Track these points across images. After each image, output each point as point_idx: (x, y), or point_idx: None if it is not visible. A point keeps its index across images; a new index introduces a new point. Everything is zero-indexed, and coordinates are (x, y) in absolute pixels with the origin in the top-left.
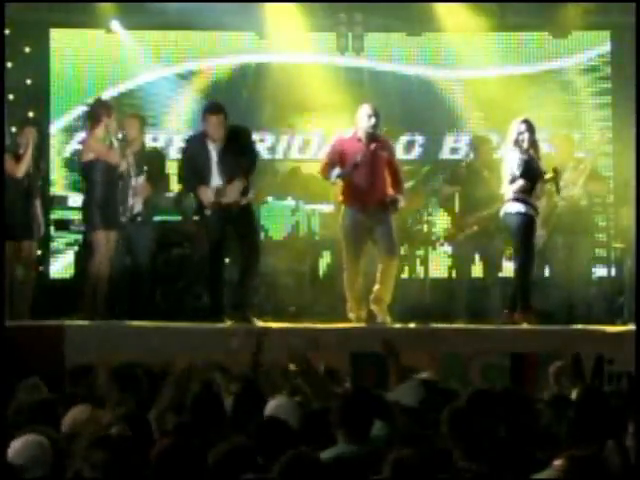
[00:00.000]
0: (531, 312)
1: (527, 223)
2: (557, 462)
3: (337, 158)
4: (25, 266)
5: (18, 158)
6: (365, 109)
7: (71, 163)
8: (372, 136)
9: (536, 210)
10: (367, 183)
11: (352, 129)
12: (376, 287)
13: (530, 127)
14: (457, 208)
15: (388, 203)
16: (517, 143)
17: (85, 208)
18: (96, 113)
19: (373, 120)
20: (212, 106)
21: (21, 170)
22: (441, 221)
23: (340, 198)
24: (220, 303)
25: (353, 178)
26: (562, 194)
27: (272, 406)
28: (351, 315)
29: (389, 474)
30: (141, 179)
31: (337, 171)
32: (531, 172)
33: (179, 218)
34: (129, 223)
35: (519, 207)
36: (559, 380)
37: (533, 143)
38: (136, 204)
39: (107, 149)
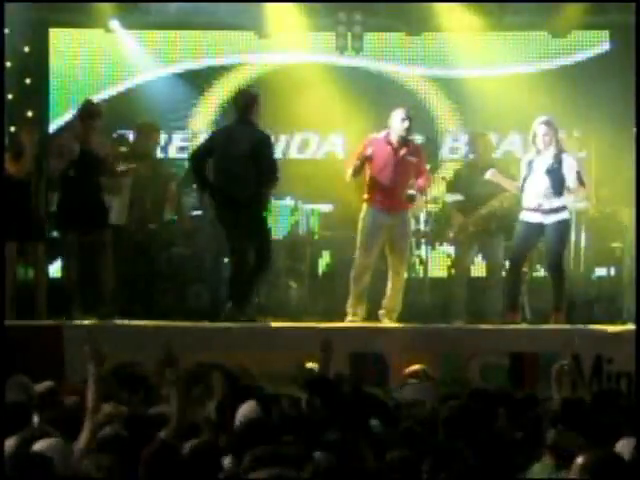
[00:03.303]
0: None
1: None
2: (579, 460)
3: (364, 157)
4: (35, 267)
5: (18, 158)
6: (399, 113)
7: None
8: (404, 140)
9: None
10: (392, 186)
11: (384, 131)
12: (387, 299)
13: (548, 128)
14: (458, 208)
15: (405, 197)
16: (532, 144)
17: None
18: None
19: (406, 124)
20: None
21: (21, 170)
22: (441, 221)
23: (365, 196)
24: (243, 303)
25: (379, 179)
26: (577, 208)
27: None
28: (349, 310)
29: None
30: (172, 185)
31: (350, 170)
32: (533, 172)
33: (175, 217)
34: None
35: (534, 217)
36: (560, 380)
37: (552, 142)
38: (167, 211)
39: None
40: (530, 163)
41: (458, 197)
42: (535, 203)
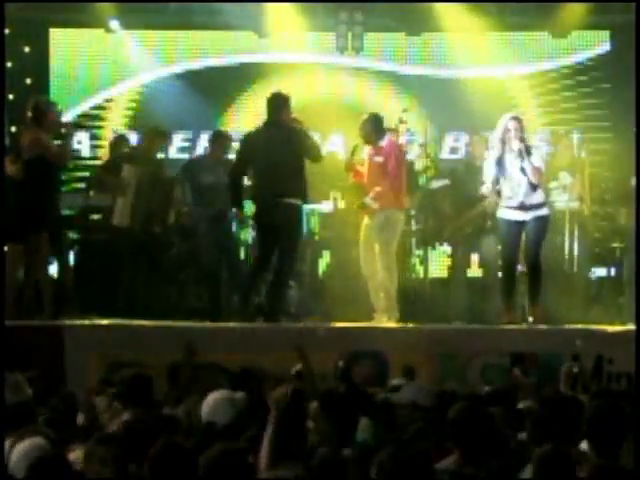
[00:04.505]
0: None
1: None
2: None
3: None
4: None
5: (18, 159)
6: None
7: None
8: (366, 142)
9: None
10: (365, 189)
11: None
12: (380, 299)
13: (518, 124)
14: (450, 207)
15: (357, 206)
16: (502, 141)
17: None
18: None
19: (360, 127)
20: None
21: (21, 172)
22: (438, 221)
23: None
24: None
25: (361, 184)
26: (569, 206)
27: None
28: (380, 315)
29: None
30: (177, 189)
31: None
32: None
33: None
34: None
35: (516, 215)
36: (569, 382)
37: (522, 138)
38: (172, 215)
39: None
40: (499, 161)
41: (445, 182)
42: (516, 201)
